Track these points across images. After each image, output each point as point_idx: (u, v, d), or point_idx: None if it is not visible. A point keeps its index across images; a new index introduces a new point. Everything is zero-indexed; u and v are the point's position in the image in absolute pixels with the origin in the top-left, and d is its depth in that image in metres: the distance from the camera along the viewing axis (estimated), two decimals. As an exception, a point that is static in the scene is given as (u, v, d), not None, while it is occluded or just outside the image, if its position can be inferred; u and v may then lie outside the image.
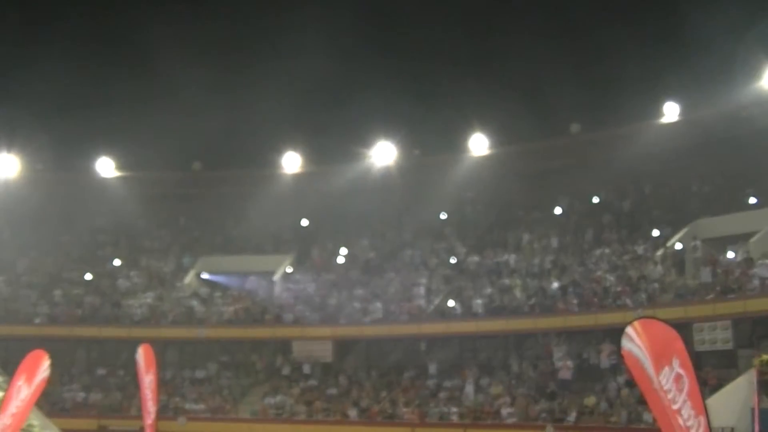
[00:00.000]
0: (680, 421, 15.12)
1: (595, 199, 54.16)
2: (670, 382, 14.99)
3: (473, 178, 53.54)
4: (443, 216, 57.11)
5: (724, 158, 48.48)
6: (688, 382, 14.85)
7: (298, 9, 56.23)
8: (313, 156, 56.10)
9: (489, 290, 49.11)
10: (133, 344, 31.51)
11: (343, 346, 50.89)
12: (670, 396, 15.26)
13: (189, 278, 56.23)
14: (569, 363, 43.96)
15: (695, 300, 41.70)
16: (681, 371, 14.72)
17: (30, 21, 53.54)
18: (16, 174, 54.38)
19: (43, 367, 21.89)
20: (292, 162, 55.97)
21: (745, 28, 43.93)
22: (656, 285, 44.10)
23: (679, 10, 46.79)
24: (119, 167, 56.61)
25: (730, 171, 49.03)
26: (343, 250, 56.77)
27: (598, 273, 46.94)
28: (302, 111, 53.03)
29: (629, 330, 16.12)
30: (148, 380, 28.05)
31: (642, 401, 33.66)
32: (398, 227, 57.27)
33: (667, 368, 14.90)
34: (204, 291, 55.56)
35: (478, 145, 52.69)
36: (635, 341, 15.71)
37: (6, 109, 50.02)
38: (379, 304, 50.40)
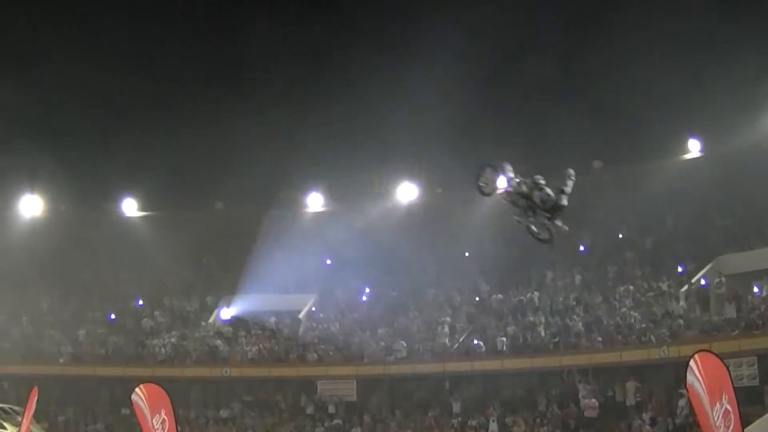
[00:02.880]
0: (727, 457, 15.07)
1: (619, 236, 54.06)
2: (720, 418, 14.96)
3: (495, 215, 53.46)
4: (466, 254, 57.05)
5: (746, 193, 48.42)
6: (734, 419, 14.83)
7: (317, 55, 56.55)
8: (337, 195, 56.20)
9: (513, 328, 49.02)
10: (157, 384, 31.39)
11: (368, 385, 50.80)
12: (720, 432, 15.22)
13: (212, 318, 56.27)
14: (594, 401, 43.80)
15: (720, 336, 41.53)
16: (729, 407, 14.72)
17: (52, 60, 53.69)
18: (40, 213, 54.63)
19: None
20: (315, 201, 56.13)
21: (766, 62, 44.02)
22: (681, 321, 43.99)
23: (700, 45, 46.77)
24: (142, 207, 56.81)
25: (753, 206, 48.79)
26: (367, 289, 56.79)
27: (622, 310, 46.80)
28: (325, 150, 53.03)
29: (692, 363, 16.04)
30: (157, 421, 27.54)
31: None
32: (421, 265, 57.19)
33: (718, 404, 14.88)
34: (227, 330, 55.54)
35: (501, 182, 52.60)
36: (696, 375, 15.65)
37: (30, 149, 50.23)
38: (403, 343, 50.36)
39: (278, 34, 52.82)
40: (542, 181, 21.21)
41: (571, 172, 21.29)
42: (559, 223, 21.61)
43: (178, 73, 55.34)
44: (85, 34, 54.54)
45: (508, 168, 21.82)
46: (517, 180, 21.36)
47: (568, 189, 20.88)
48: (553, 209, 20.82)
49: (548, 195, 20.73)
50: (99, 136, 55.94)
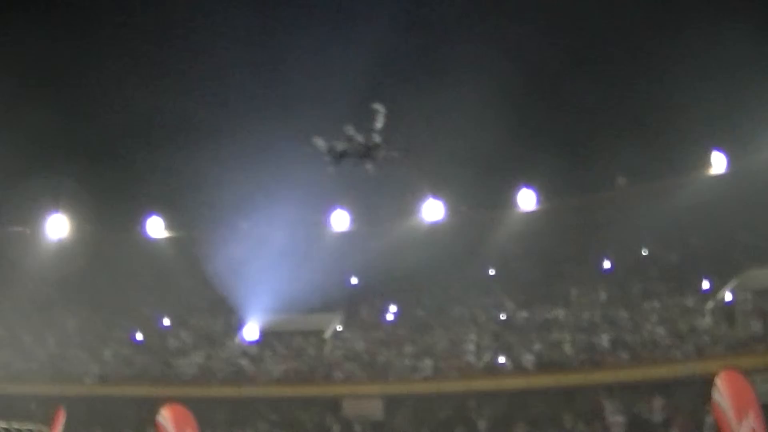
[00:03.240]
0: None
1: (643, 252, 54.03)
2: (746, 437, 14.90)
3: (520, 233, 53.56)
4: (491, 271, 57.10)
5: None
6: (760, 437, 14.78)
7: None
8: (362, 214, 56.28)
9: (538, 345, 48.99)
10: (184, 403, 31.40)
11: (393, 404, 50.76)
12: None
13: (238, 337, 56.41)
14: (620, 418, 43.68)
15: (746, 352, 41.42)
16: (755, 425, 14.65)
17: (78, 85, 54.09)
18: (66, 235, 54.93)
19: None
20: (340, 220, 56.23)
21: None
22: (706, 337, 43.90)
23: (726, 62, 46.69)
24: (168, 227, 57.04)
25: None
26: (392, 308, 56.86)
27: (648, 326, 46.75)
28: (350, 169, 52.91)
29: (717, 382, 16.01)
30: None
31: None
32: (446, 283, 57.22)
33: (744, 421, 14.81)
34: (253, 350, 55.65)
35: (525, 200, 52.79)
36: (722, 393, 15.60)
37: (57, 170, 50.55)
38: (428, 361, 50.37)
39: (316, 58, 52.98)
40: (351, 132, 21.95)
41: (378, 107, 21.88)
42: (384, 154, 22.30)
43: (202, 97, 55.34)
44: (111, 55, 54.86)
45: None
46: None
47: (378, 125, 21.59)
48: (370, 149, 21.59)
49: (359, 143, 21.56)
50: (126, 157, 56.26)
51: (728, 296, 46.65)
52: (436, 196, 54.12)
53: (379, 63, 52.01)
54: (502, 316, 53.20)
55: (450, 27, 54.71)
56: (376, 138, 21.64)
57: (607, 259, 54.27)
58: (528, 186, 52.58)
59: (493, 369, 49.01)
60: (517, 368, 48.12)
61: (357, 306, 57.73)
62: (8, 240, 55.71)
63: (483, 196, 53.82)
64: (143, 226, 57.27)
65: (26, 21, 52.27)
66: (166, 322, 58.32)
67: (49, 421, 33.07)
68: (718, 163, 48.92)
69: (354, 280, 59.97)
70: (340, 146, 22.40)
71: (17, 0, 53.83)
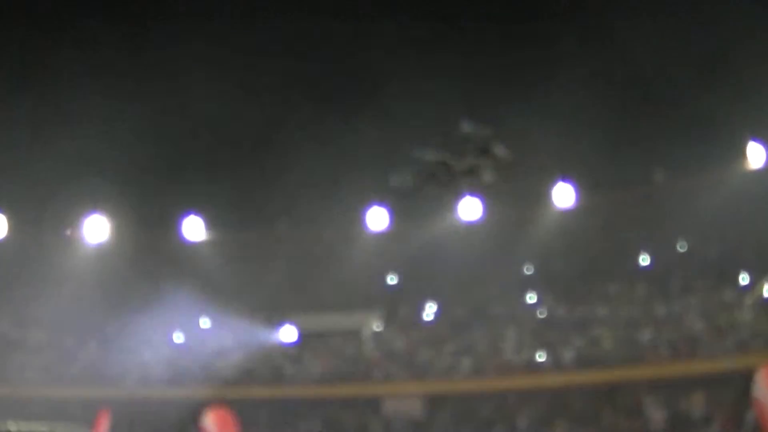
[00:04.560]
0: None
1: (682, 247, 53.77)
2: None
3: (559, 229, 53.35)
4: (530, 269, 57.02)
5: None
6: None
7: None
8: (400, 212, 56.20)
9: (578, 342, 48.89)
10: (223, 405, 31.47)
11: (434, 403, 50.81)
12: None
13: (278, 338, 56.56)
14: (661, 414, 43.56)
15: (786, 346, 41.25)
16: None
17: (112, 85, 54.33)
18: (106, 237, 55.23)
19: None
20: (379, 219, 56.27)
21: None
22: (746, 332, 43.67)
23: (758, 50, 46.20)
24: (207, 229, 57.24)
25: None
26: (431, 306, 56.89)
27: (688, 321, 46.56)
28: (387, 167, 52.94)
29: (758, 377, 15.93)
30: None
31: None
32: (485, 281, 57.17)
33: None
34: (292, 350, 55.81)
35: (563, 196, 52.52)
36: (763, 388, 15.51)
37: (96, 170, 50.80)
38: (468, 359, 50.37)
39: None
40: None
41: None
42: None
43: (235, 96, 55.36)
44: (158, 61, 55.03)
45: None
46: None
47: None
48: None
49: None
50: (166, 159, 56.44)
51: (768, 290, 46.43)
52: (474, 194, 54.05)
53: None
54: (542, 314, 53.13)
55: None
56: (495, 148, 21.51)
57: (646, 254, 54.02)
58: (565, 181, 52.26)
59: (533, 366, 48.96)
60: (557, 365, 48.06)
61: (396, 305, 57.79)
62: (49, 243, 56.04)
63: (520, 193, 53.55)
64: (183, 228, 57.44)
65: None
66: (206, 323, 58.51)
67: (91, 423, 33.25)
68: (756, 156, 48.47)
69: (393, 279, 59.98)
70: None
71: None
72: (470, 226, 54.27)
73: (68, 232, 56.66)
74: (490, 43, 53.16)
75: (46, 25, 53.19)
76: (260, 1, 54.80)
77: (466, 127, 22.48)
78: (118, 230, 55.59)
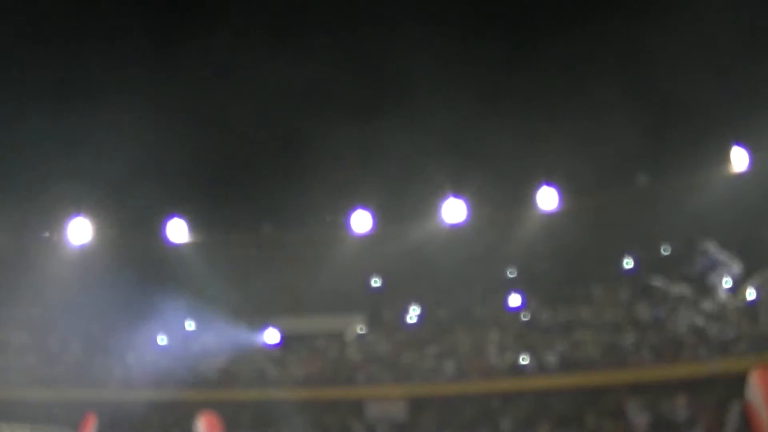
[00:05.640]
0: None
1: (666, 250, 53.87)
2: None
3: (542, 232, 53.40)
4: (513, 272, 57.05)
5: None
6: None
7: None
8: (384, 215, 56.18)
9: (561, 345, 48.96)
10: (207, 407, 31.57)
11: (417, 405, 50.82)
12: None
13: (261, 340, 56.50)
14: (644, 417, 43.68)
15: (770, 350, 41.34)
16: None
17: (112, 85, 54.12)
18: (89, 239, 55.09)
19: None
20: (362, 221, 56.20)
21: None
22: (730, 335, 43.79)
23: (740, 52, 46.28)
24: (190, 231, 57.14)
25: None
26: (415, 309, 56.90)
27: (670, 325, 46.67)
28: (372, 169, 52.93)
29: (750, 380, 15.93)
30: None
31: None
32: (469, 284, 57.20)
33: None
34: (276, 353, 55.79)
35: (547, 199, 52.53)
36: (755, 391, 15.51)
37: (80, 173, 50.64)
38: (451, 362, 50.39)
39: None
40: None
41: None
42: None
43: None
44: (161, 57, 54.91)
45: None
46: None
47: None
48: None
49: None
50: (149, 159, 56.26)
51: (751, 294, 46.47)
52: (457, 195, 54.01)
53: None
54: (525, 317, 53.18)
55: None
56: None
57: (629, 257, 54.10)
58: (549, 184, 52.31)
59: (517, 369, 49.04)
60: (541, 368, 48.14)
61: (379, 308, 57.77)
62: (32, 245, 55.90)
63: (503, 196, 53.61)
64: (167, 230, 57.31)
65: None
66: (190, 325, 58.41)
67: (75, 425, 33.29)
68: (740, 159, 48.57)
69: (376, 282, 59.96)
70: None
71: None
72: (454, 228, 54.32)
73: (47, 235, 56.54)
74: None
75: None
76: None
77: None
78: (101, 232, 55.44)
